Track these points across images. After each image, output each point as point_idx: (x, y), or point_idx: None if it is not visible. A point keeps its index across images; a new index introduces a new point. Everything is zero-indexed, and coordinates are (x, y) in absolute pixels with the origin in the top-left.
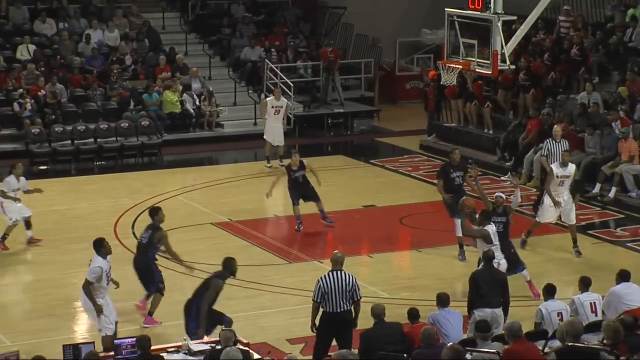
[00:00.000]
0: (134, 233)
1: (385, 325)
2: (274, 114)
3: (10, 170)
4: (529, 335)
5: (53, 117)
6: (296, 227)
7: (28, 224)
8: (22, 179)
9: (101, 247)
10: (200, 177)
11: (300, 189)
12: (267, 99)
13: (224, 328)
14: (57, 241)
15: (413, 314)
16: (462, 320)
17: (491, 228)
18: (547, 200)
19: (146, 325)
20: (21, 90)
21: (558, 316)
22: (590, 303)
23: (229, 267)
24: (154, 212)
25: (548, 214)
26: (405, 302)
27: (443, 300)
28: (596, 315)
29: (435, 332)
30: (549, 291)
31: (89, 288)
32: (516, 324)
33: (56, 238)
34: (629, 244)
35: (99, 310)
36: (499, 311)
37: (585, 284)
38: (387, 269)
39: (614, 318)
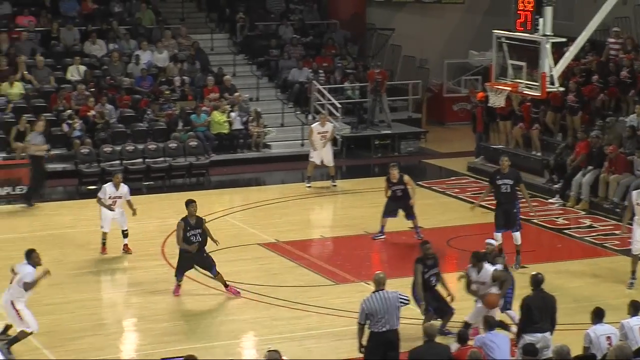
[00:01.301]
0: None
1: (434, 345)
2: (320, 139)
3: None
4: (578, 359)
5: (102, 136)
6: (374, 236)
7: (124, 233)
8: (123, 187)
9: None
10: (247, 197)
11: (399, 203)
12: (313, 125)
13: (270, 349)
14: (104, 260)
15: (462, 337)
16: (509, 343)
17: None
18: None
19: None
20: (71, 110)
21: (607, 340)
22: None
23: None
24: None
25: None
26: (451, 325)
27: (490, 324)
28: None
29: (483, 356)
30: (598, 315)
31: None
32: (565, 348)
33: (103, 257)
34: None
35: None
36: (548, 335)
37: (635, 308)
38: None
39: None
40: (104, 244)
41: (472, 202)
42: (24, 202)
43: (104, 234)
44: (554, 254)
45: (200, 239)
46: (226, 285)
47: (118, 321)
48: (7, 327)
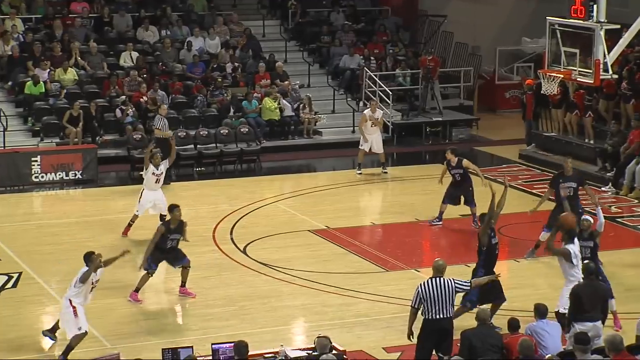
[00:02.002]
0: (232, 239)
1: (488, 327)
2: (371, 125)
3: (150, 159)
4: (630, 348)
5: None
6: (431, 221)
7: (162, 217)
8: (162, 165)
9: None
10: (298, 184)
11: (459, 189)
12: (365, 111)
13: (320, 335)
14: None
15: (513, 325)
16: (561, 331)
17: (573, 248)
18: None
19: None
20: (123, 96)
21: None
22: None
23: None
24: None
25: None
26: (502, 313)
27: (541, 312)
28: None
29: (534, 343)
30: None
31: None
32: (618, 337)
33: None
34: None
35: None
36: (599, 324)
37: None
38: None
39: None
40: (130, 225)
41: (528, 192)
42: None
43: (135, 216)
44: (607, 242)
45: (176, 245)
46: (183, 285)
47: (171, 306)
48: (55, 327)
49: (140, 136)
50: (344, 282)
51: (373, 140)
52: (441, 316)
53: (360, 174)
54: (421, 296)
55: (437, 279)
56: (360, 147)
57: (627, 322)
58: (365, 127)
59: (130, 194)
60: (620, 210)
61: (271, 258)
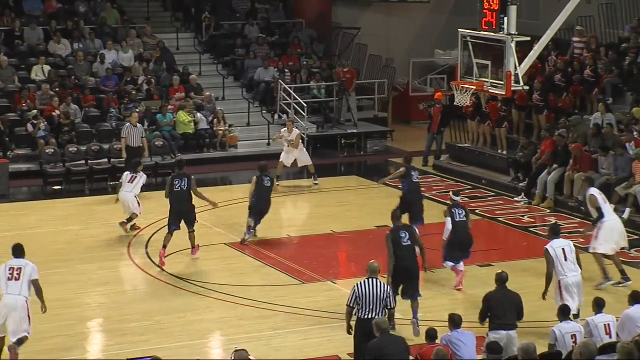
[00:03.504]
0: (147, 253)
1: (391, 337)
2: (287, 145)
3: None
4: (543, 356)
5: (67, 137)
6: None
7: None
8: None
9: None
10: (213, 197)
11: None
12: (282, 130)
13: (237, 348)
14: (70, 261)
15: (430, 335)
16: (475, 341)
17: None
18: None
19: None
20: (35, 110)
21: (572, 338)
22: (605, 324)
23: None
24: (181, 162)
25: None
26: (420, 323)
27: (455, 322)
28: (610, 337)
29: (450, 353)
30: (564, 312)
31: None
32: (531, 346)
33: (69, 258)
34: None
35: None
36: (513, 333)
37: (599, 305)
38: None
39: (628, 340)
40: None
41: (442, 202)
42: None
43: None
44: (520, 252)
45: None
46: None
47: (84, 321)
48: None
49: (52, 150)
50: (260, 294)
51: (297, 155)
52: (372, 316)
53: (278, 184)
54: (356, 295)
55: (372, 279)
56: (280, 159)
57: (540, 330)
58: (283, 144)
59: (42, 209)
60: (532, 220)
61: (187, 272)
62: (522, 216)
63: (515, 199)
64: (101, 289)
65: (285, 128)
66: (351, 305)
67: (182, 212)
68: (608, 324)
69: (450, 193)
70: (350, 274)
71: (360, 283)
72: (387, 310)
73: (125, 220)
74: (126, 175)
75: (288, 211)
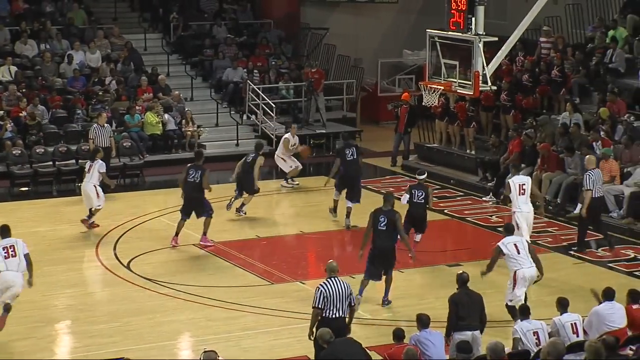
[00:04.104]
0: (115, 254)
1: (342, 341)
2: (292, 149)
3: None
4: (511, 355)
5: (34, 138)
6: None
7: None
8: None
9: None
10: (182, 198)
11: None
12: (286, 135)
13: (206, 350)
14: (38, 262)
15: (398, 335)
16: (444, 341)
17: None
18: None
19: (202, 243)
20: (2, 111)
21: (534, 335)
22: (571, 324)
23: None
24: (199, 154)
25: None
26: (387, 324)
27: (424, 322)
28: (577, 336)
29: (418, 353)
30: (524, 312)
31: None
32: (500, 345)
33: (37, 259)
34: (610, 265)
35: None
36: (477, 333)
37: (562, 305)
38: (369, 289)
39: (595, 338)
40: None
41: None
42: None
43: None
44: (489, 252)
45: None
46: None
47: (52, 324)
48: None
49: (19, 152)
50: (229, 295)
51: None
52: (337, 315)
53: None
54: (324, 295)
55: (334, 279)
56: (290, 167)
57: (502, 330)
58: (286, 151)
59: (9, 211)
60: (500, 220)
61: (155, 273)
62: (491, 216)
63: (484, 198)
64: (69, 290)
65: (289, 134)
66: (319, 306)
67: (192, 202)
68: (575, 323)
69: (417, 172)
70: (319, 274)
71: (325, 283)
72: (350, 308)
73: (86, 217)
74: (87, 165)
75: (258, 211)
